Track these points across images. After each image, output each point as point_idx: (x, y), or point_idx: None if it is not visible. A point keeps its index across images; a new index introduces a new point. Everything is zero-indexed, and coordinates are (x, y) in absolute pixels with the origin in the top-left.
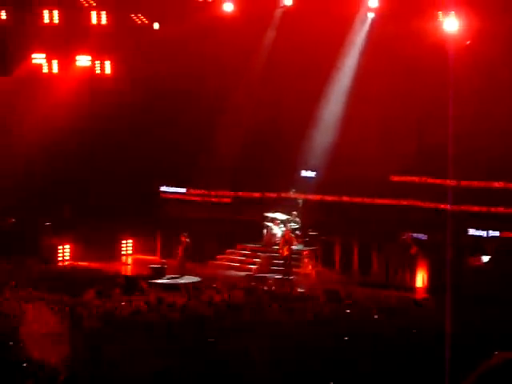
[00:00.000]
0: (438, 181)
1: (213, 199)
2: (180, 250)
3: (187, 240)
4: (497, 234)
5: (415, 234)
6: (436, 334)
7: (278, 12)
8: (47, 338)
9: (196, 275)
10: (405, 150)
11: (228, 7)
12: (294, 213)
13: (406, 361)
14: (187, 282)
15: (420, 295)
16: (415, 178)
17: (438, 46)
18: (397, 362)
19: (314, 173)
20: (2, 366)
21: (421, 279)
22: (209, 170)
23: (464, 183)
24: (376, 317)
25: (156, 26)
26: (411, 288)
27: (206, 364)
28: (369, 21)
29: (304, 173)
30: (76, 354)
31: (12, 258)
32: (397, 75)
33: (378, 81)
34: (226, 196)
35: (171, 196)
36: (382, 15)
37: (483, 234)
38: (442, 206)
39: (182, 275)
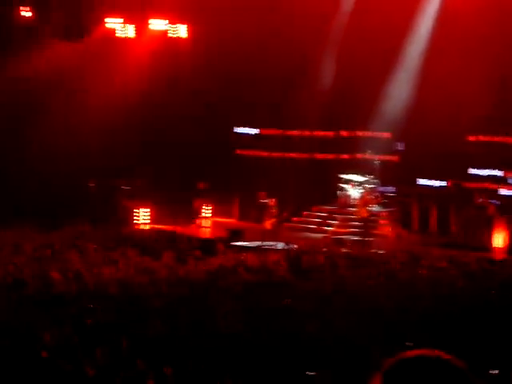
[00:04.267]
0: None
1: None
2: (269, 214)
3: (273, 203)
4: None
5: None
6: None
7: None
8: None
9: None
10: (481, 111)
11: None
12: (371, 175)
13: (484, 321)
14: (271, 246)
15: (499, 256)
16: (491, 138)
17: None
18: (475, 322)
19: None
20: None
21: (499, 240)
22: (286, 133)
23: None
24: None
25: None
26: (490, 249)
27: (281, 327)
28: None
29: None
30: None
31: (91, 221)
32: (472, 39)
33: (453, 45)
34: (302, 158)
35: (249, 156)
36: None
37: None
38: None
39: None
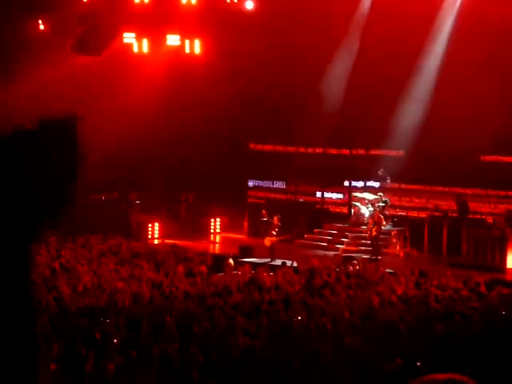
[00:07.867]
0: None
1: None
2: (270, 231)
3: (276, 221)
4: None
5: None
6: None
7: None
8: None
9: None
10: (496, 129)
11: None
12: (382, 193)
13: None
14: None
15: (510, 276)
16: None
17: None
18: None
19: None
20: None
21: (511, 260)
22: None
23: None
24: (463, 296)
25: (249, 5)
26: (501, 269)
27: (289, 343)
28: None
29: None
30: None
31: (102, 235)
32: (488, 55)
33: (468, 60)
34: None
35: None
36: None
37: None
38: None
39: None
